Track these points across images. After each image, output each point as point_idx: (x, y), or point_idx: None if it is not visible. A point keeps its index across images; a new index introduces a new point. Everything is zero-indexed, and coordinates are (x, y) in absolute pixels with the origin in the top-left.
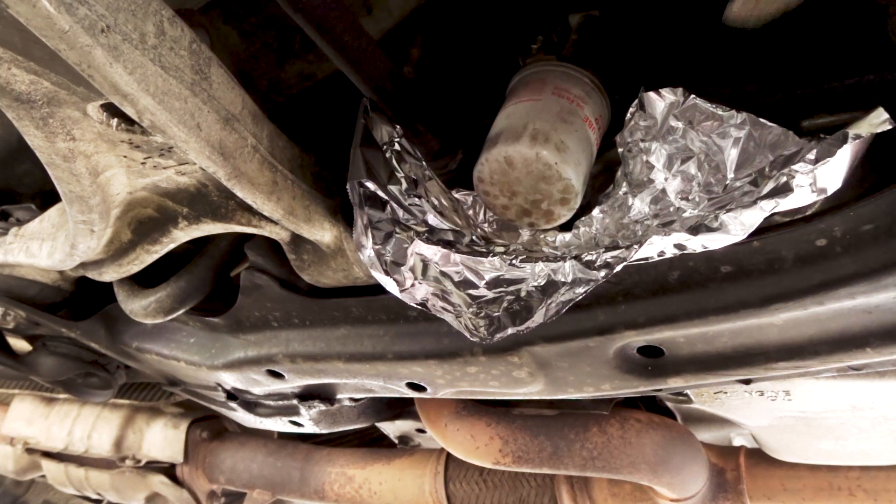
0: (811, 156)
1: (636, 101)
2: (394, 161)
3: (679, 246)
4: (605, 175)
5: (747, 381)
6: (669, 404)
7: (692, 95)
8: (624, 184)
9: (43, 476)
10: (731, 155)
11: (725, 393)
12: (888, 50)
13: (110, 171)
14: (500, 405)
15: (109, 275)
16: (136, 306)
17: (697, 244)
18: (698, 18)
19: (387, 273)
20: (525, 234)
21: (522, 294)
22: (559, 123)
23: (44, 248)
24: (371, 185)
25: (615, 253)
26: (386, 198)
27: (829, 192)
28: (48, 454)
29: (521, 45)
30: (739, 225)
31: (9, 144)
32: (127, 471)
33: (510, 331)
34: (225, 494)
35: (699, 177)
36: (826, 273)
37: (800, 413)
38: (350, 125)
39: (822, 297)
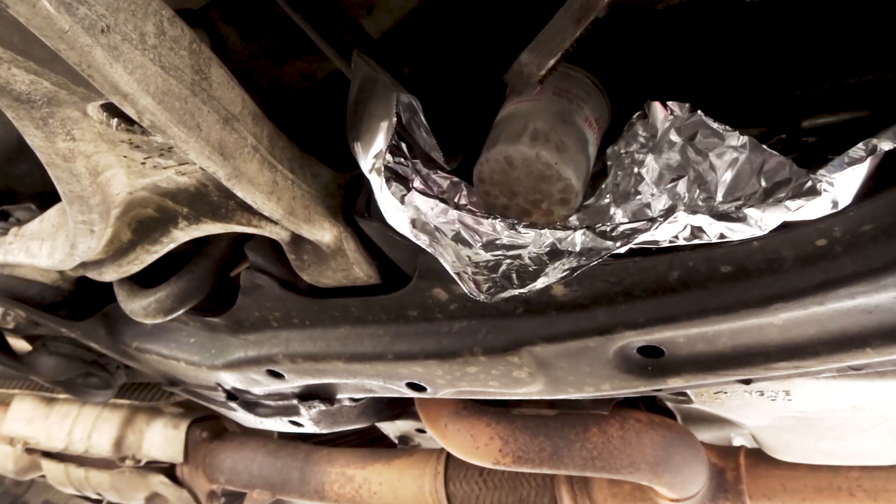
0: (836, 162)
1: (640, 111)
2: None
3: (697, 230)
4: (605, 175)
5: (747, 381)
6: (669, 404)
7: (698, 112)
8: (608, 195)
9: (43, 476)
10: (725, 177)
11: (725, 393)
12: (888, 50)
13: (110, 171)
14: (500, 405)
15: (109, 275)
16: (136, 306)
17: (716, 231)
18: (698, 19)
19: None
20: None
21: (525, 258)
22: (559, 123)
23: (44, 248)
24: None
25: (634, 224)
26: (384, 148)
27: (841, 206)
28: (48, 454)
29: (521, 46)
30: (760, 220)
31: (9, 144)
32: (127, 471)
33: (513, 292)
34: (225, 494)
35: (686, 197)
36: (826, 273)
37: (800, 413)
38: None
39: (822, 297)
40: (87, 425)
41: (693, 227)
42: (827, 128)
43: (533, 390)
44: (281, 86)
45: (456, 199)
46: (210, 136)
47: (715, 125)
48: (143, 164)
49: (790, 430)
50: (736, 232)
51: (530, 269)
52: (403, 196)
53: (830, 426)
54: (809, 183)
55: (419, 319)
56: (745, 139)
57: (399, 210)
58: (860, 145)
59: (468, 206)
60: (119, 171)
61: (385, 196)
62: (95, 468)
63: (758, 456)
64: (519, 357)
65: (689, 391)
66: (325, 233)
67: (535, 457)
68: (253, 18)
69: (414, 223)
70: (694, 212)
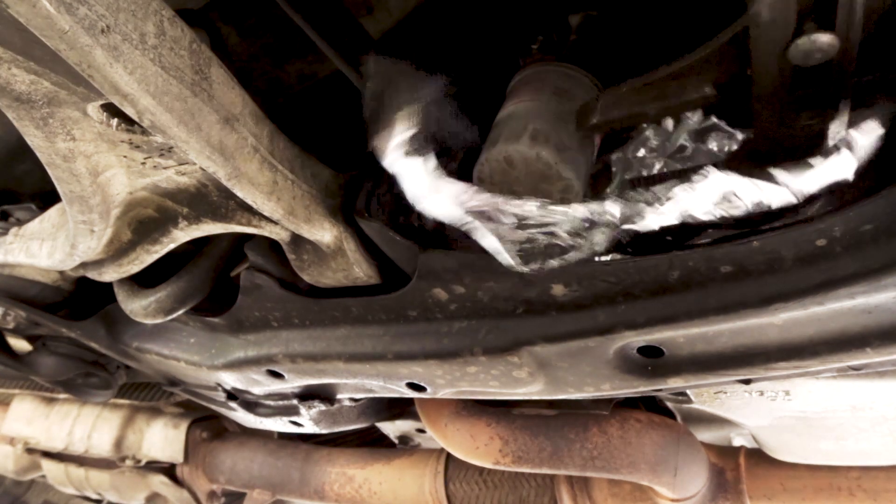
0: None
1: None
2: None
3: (730, 195)
4: (605, 175)
5: (747, 381)
6: (669, 404)
7: (712, 116)
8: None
9: (43, 476)
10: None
11: (725, 393)
12: (887, 50)
13: (110, 171)
14: (500, 405)
15: (109, 275)
16: (136, 306)
17: (750, 194)
18: (698, 18)
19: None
20: None
21: (560, 234)
22: (559, 124)
23: (44, 248)
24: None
25: (666, 184)
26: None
27: (852, 169)
28: (48, 454)
29: (521, 46)
30: (790, 180)
31: (9, 144)
32: (127, 471)
33: (554, 263)
34: (225, 494)
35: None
36: (826, 273)
37: (800, 413)
38: (350, 125)
39: (822, 297)
40: (88, 425)
41: (725, 194)
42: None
43: (533, 390)
44: (281, 86)
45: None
46: (210, 136)
47: (728, 129)
48: (143, 164)
49: (790, 430)
50: (766, 193)
51: (568, 242)
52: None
53: (830, 426)
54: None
55: (419, 319)
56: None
57: (438, 193)
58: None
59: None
60: (119, 171)
61: (419, 178)
62: (95, 468)
63: (758, 456)
64: (519, 357)
65: (689, 391)
66: (325, 233)
67: (535, 457)
68: (253, 18)
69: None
70: (728, 172)
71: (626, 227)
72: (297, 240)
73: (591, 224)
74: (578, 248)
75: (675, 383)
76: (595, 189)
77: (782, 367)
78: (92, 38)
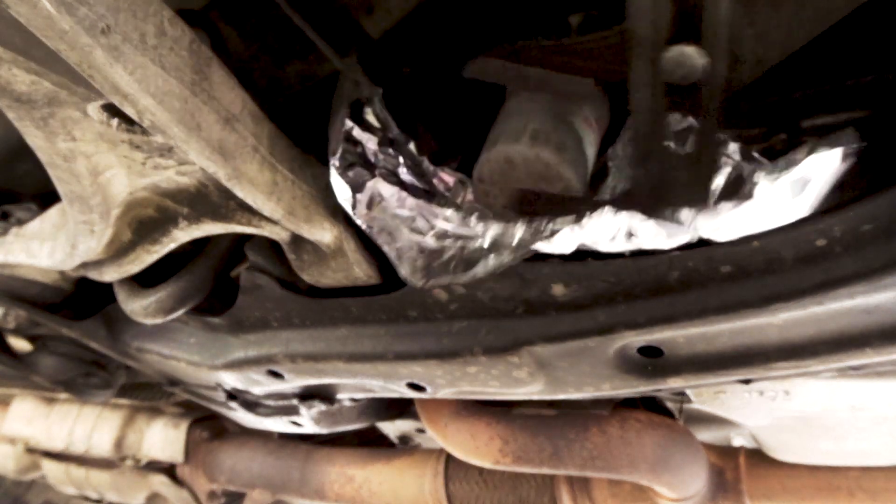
0: (778, 163)
1: None
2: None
3: (629, 233)
4: (605, 175)
5: (747, 381)
6: (669, 404)
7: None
8: (608, 196)
9: (43, 476)
10: (718, 182)
11: (725, 393)
12: (886, 50)
13: (111, 171)
14: (500, 405)
15: (110, 275)
16: (136, 306)
17: (650, 230)
18: None
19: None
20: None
21: (468, 248)
22: (559, 124)
23: (44, 248)
24: (350, 123)
25: (564, 218)
26: (360, 138)
27: (790, 213)
28: (49, 454)
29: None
30: (694, 222)
31: (9, 144)
32: (127, 471)
33: (446, 279)
34: (225, 494)
35: None
36: (826, 273)
37: (799, 413)
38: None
39: (822, 297)
40: (88, 425)
41: (626, 228)
42: (827, 128)
43: (533, 390)
44: (281, 86)
45: (461, 198)
46: (210, 136)
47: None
48: (143, 164)
49: (790, 429)
50: (669, 232)
51: (470, 259)
52: (365, 181)
53: (830, 426)
54: (746, 187)
55: (419, 319)
56: (735, 147)
57: (344, 190)
58: (800, 148)
59: (466, 201)
60: (119, 172)
61: (334, 178)
62: (96, 468)
63: (757, 456)
64: (519, 357)
65: (688, 391)
66: (325, 233)
67: (535, 457)
68: (253, 18)
69: (370, 205)
70: (620, 210)
71: (519, 253)
72: (297, 240)
73: (493, 245)
74: (479, 265)
75: (675, 383)
76: (595, 189)
77: (782, 367)
78: (92, 39)
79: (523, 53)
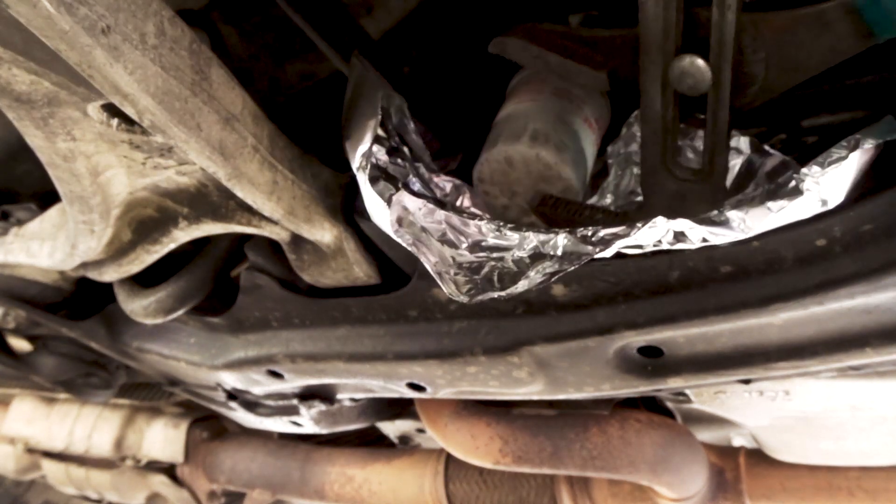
0: (820, 159)
1: (637, 110)
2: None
3: (679, 235)
4: (605, 175)
5: (747, 381)
6: (669, 404)
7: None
8: (609, 194)
9: (43, 476)
10: (760, 178)
11: (725, 393)
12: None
13: (111, 171)
14: (500, 405)
15: (110, 275)
16: (136, 306)
17: (698, 235)
18: None
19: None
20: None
21: (508, 261)
22: (559, 124)
23: (44, 248)
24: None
25: (614, 230)
26: (372, 149)
27: (831, 205)
28: (49, 454)
29: None
30: (744, 223)
31: (9, 144)
32: (127, 471)
33: (492, 294)
34: (225, 494)
35: None
36: (826, 273)
37: (799, 413)
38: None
39: (822, 297)
40: (88, 425)
41: (675, 232)
42: (827, 128)
43: (533, 390)
44: (281, 86)
45: (458, 202)
46: (210, 136)
47: None
48: (143, 164)
49: (790, 430)
50: (718, 236)
51: (512, 271)
52: (391, 195)
53: (830, 426)
54: (793, 183)
55: (419, 319)
56: (745, 140)
57: (382, 208)
58: (843, 142)
59: (467, 209)
60: (119, 171)
61: (369, 194)
62: (96, 468)
63: (757, 456)
64: (519, 357)
65: (689, 391)
66: (325, 233)
67: (535, 457)
68: (253, 18)
69: (400, 221)
70: (672, 217)
71: (566, 263)
72: (297, 240)
73: (535, 256)
74: (523, 279)
75: (675, 383)
76: (595, 189)
77: (782, 367)
78: (92, 39)
79: (544, 36)
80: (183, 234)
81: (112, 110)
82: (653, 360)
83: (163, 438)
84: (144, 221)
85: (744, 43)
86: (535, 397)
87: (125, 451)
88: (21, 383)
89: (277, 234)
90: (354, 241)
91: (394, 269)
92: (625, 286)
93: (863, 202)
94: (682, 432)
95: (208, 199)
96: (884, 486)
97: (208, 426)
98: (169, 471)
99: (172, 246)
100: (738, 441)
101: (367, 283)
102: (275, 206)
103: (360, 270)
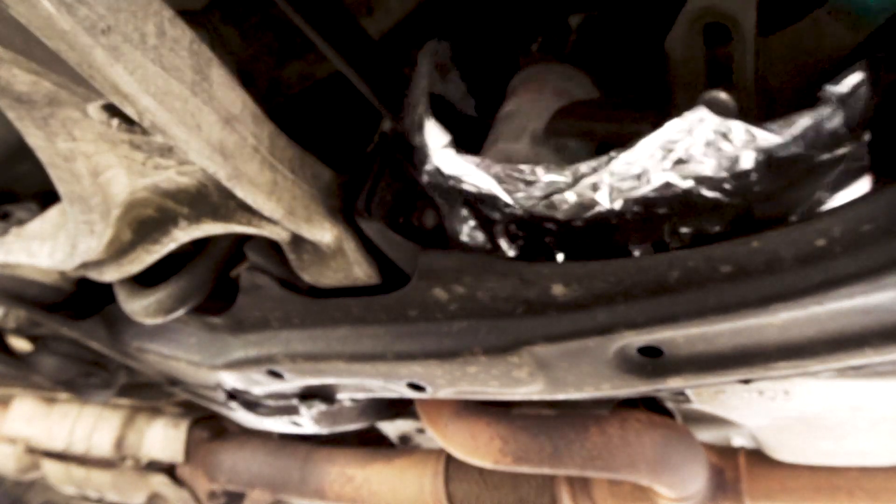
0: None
1: None
2: None
3: (719, 138)
4: None
5: (747, 381)
6: (669, 404)
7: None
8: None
9: (44, 476)
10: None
11: (725, 393)
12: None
13: (111, 171)
14: (500, 405)
15: (110, 275)
16: (136, 306)
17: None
18: None
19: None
20: None
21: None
22: None
23: (45, 248)
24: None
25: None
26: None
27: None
28: (49, 454)
29: (522, 46)
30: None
31: (9, 144)
32: (127, 471)
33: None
34: (225, 494)
35: None
36: (826, 273)
37: (799, 413)
38: (350, 125)
39: (822, 298)
40: (88, 425)
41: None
42: None
43: (533, 390)
44: (281, 86)
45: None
46: (210, 136)
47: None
48: (143, 164)
49: (790, 429)
50: (759, 138)
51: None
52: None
53: (830, 426)
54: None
55: (419, 319)
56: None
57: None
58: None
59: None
60: (119, 172)
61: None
62: (96, 468)
63: (757, 456)
64: (519, 357)
65: (689, 391)
66: (325, 233)
67: (535, 457)
68: (253, 19)
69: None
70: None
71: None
72: (297, 240)
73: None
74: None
75: (675, 383)
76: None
77: (782, 367)
78: (92, 39)
79: (588, 110)
80: (183, 235)
81: (112, 110)
82: (653, 360)
83: (163, 438)
84: (144, 221)
85: (761, 68)
86: (535, 397)
87: (125, 451)
88: (21, 383)
89: (277, 234)
90: (354, 241)
91: (394, 269)
92: (625, 286)
93: (863, 202)
94: (682, 432)
95: (208, 200)
96: (884, 486)
97: (208, 426)
98: (169, 471)
99: (172, 246)
100: (738, 441)
101: (367, 283)
102: (275, 206)
103: (360, 270)
